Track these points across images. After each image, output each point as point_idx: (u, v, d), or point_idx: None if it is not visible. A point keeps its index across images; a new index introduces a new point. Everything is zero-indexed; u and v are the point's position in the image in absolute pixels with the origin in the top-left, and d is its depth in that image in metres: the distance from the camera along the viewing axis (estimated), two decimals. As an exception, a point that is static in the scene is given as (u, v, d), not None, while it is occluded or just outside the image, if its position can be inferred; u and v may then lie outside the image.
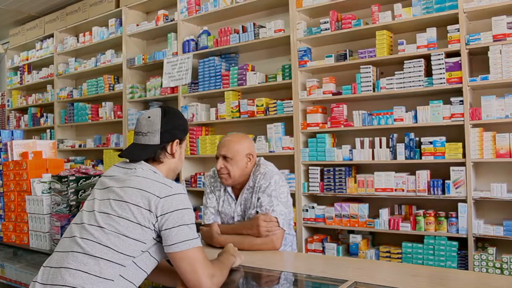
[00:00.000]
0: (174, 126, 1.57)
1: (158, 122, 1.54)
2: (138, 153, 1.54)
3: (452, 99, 3.05)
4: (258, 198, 2.09)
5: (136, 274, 1.40)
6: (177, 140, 1.58)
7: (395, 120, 3.27)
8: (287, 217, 2.11)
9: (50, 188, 2.27)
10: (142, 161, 1.53)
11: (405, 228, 3.18)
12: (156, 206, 1.38)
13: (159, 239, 1.42)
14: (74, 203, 2.15)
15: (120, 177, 1.48)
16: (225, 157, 2.12)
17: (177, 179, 4.40)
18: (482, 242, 3.02)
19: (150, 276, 1.61)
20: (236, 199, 2.20)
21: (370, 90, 3.37)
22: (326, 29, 3.54)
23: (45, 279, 1.36)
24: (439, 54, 3.08)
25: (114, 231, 1.36)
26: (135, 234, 1.37)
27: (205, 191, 2.32)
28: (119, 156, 1.58)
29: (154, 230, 1.40)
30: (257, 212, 2.09)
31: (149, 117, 1.56)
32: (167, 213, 1.38)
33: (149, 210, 1.38)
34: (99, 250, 1.34)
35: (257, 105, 3.90)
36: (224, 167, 2.12)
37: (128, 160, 1.56)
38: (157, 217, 1.38)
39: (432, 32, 3.14)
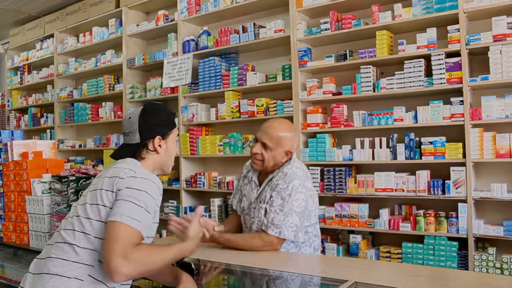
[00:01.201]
0: (154, 123, 1.62)
1: (136, 122, 1.60)
2: (121, 152, 1.63)
3: (452, 99, 3.05)
4: (271, 196, 2.05)
5: None
6: (158, 137, 1.61)
7: (395, 120, 3.26)
8: (299, 228, 2.04)
9: (50, 188, 2.27)
10: (127, 158, 1.60)
11: (405, 228, 3.18)
12: (116, 186, 1.44)
13: None
14: (74, 203, 2.15)
15: (103, 173, 1.56)
16: (264, 145, 2.07)
17: (177, 179, 4.40)
18: (482, 242, 3.02)
19: (150, 276, 1.61)
20: (259, 186, 2.17)
21: (370, 90, 3.37)
22: (326, 29, 3.54)
23: (35, 269, 1.47)
24: (439, 54, 3.08)
25: (86, 217, 1.44)
26: (104, 217, 1.42)
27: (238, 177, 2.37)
28: (110, 156, 1.67)
29: None
30: (265, 209, 2.05)
31: (129, 117, 1.63)
32: (121, 189, 1.42)
33: (111, 191, 1.44)
34: (77, 237, 1.42)
35: (257, 105, 3.90)
36: (260, 153, 2.08)
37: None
38: (115, 195, 1.43)
39: (432, 32, 3.14)
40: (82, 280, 1.37)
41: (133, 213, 1.37)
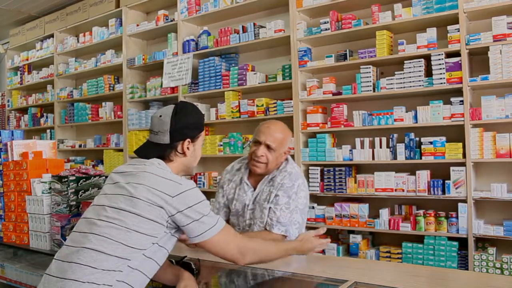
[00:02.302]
0: (185, 125, 1.57)
1: (168, 122, 1.55)
2: (148, 151, 1.58)
3: (452, 99, 3.05)
4: (277, 195, 2.05)
5: (146, 265, 1.42)
6: (188, 140, 1.57)
7: (395, 120, 3.26)
8: (301, 226, 2.08)
9: (50, 188, 2.27)
10: (155, 159, 1.55)
11: (405, 228, 3.18)
12: (169, 205, 1.40)
13: (172, 232, 1.46)
14: (74, 203, 2.15)
15: (130, 173, 1.50)
16: (268, 146, 2.06)
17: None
18: (482, 242, 3.02)
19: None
20: (254, 188, 2.15)
21: (370, 90, 3.37)
22: (326, 29, 3.54)
23: (57, 272, 1.39)
24: (439, 54, 3.08)
25: (125, 226, 1.38)
26: (146, 229, 1.39)
27: (218, 184, 2.32)
28: (134, 152, 1.63)
29: (168, 226, 1.43)
30: (270, 208, 2.06)
31: (160, 116, 1.58)
32: (182, 210, 1.41)
33: (161, 208, 1.40)
34: (109, 245, 1.36)
35: (257, 105, 3.90)
36: (264, 155, 2.06)
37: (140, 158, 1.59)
38: (171, 215, 1.41)
39: (432, 32, 3.14)
40: (111, 286, 1.34)
41: (210, 223, 1.46)
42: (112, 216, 1.41)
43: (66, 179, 2.18)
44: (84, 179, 2.20)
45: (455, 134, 3.09)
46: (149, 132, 1.62)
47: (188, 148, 1.58)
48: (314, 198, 3.72)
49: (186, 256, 1.71)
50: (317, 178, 3.57)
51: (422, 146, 3.15)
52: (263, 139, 2.07)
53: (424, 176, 3.14)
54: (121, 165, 1.62)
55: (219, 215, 2.20)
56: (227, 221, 2.24)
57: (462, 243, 3.00)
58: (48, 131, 5.91)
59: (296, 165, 2.20)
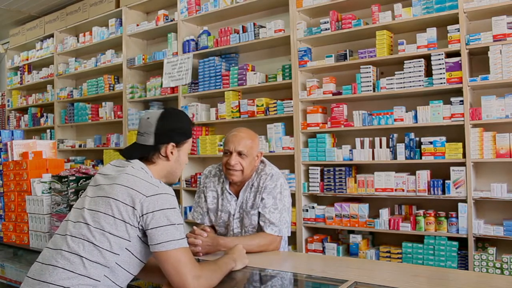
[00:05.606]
0: (171, 129, 1.57)
1: (154, 124, 1.56)
2: (132, 151, 1.58)
3: (452, 99, 3.05)
4: (262, 199, 2.08)
5: (121, 276, 1.42)
6: (172, 144, 1.57)
7: (395, 120, 3.26)
8: (288, 224, 2.12)
9: (50, 188, 2.27)
10: (136, 160, 1.55)
11: (405, 228, 3.18)
12: (141, 204, 1.39)
13: (144, 238, 1.44)
14: (74, 203, 2.15)
15: (111, 175, 1.51)
16: (240, 153, 2.08)
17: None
18: (482, 242, 3.02)
19: (139, 275, 1.61)
20: (236, 197, 2.18)
21: (370, 90, 3.37)
22: (326, 29, 3.54)
23: (35, 274, 1.40)
24: (439, 54, 3.08)
25: (100, 228, 1.39)
26: (119, 231, 1.39)
27: (197, 189, 2.32)
28: (120, 153, 1.62)
29: (138, 228, 1.41)
30: (259, 213, 2.09)
31: (148, 118, 1.59)
32: (152, 211, 1.39)
33: (133, 208, 1.39)
34: (87, 248, 1.37)
35: (257, 105, 3.90)
36: (239, 163, 2.08)
37: (124, 159, 1.59)
38: (142, 215, 1.39)
39: (432, 32, 3.14)
40: None
41: (177, 234, 1.40)
42: (90, 218, 1.41)
43: (66, 179, 2.18)
44: (84, 179, 2.20)
45: (455, 134, 3.09)
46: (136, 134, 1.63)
47: (172, 152, 1.57)
48: (314, 198, 3.73)
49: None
50: (317, 178, 3.57)
51: (422, 146, 3.15)
52: (233, 148, 2.09)
53: (424, 176, 3.14)
54: (107, 164, 1.62)
55: (204, 219, 2.22)
56: (213, 227, 2.25)
57: (462, 243, 3.00)
58: (48, 131, 5.91)
59: (274, 166, 2.21)
